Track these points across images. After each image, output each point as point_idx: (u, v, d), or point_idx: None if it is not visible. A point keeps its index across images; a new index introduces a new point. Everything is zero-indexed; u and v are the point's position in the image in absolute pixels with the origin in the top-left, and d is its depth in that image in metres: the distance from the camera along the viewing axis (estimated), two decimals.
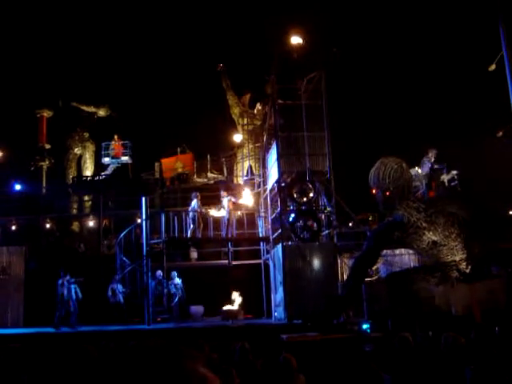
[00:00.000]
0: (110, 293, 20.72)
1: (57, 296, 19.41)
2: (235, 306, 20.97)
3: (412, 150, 21.46)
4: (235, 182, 27.01)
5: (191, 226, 21.16)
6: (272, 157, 20.69)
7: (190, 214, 21.25)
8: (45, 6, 34.86)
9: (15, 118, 32.76)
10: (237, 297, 21.18)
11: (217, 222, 21.71)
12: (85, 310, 20.09)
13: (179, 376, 1.40)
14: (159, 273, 20.84)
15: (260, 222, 22.68)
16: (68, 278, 19.51)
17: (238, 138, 26.28)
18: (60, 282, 19.37)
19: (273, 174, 20.65)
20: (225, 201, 21.43)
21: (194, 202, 21.50)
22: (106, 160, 32.36)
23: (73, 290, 19.55)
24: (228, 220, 21.17)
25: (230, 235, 21.16)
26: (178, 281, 21.23)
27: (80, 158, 33.60)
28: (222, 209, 21.40)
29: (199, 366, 1.48)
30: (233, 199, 21.75)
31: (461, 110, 28.20)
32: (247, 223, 22.68)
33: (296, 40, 20.08)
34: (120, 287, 20.88)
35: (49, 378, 5.70)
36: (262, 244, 22.55)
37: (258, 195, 23.75)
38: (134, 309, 20.60)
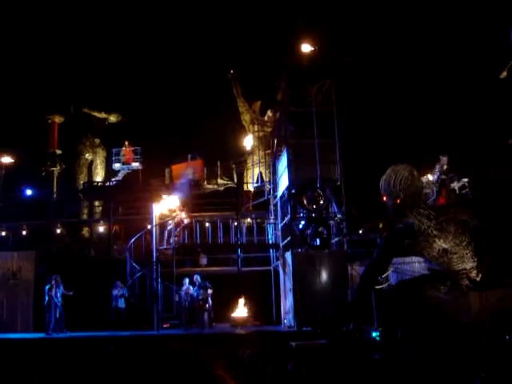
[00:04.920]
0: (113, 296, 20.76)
1: (45, 301, 19.52)
2: (245, 313, 20.93)
3: (423, 158, 21.40)
4: (245, 188, 27.01)
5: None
6: (282, 164, 20.68)
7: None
8: (58, 12, 35.09)
9: (27, 124, 32.93)
10: (242, 303, 21.17)
11: (226, 228, 21.74)
12: (93, 315, 20.15)
13: (200, 379, 1.40)
14: (197, 277, 20.83)
15: (270, 229, 22.66)
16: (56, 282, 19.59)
17: (248, 141, 26.20)
18: (48, 287, 19.45)
19: (283, 181, 20.64)
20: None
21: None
22: (117, 166, 32.47)
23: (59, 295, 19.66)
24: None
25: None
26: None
27: (91, 163, 33.76)
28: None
29: (219, 370, 1.48)
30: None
31: (472, 117, 28.11)
32: (257, 230, 22.67)
33: (306, 48, 20.10)
34: (119, 291, 20.88)
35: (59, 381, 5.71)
36: (271, 251, 22.51)
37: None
38: (142, 315, 20.60)
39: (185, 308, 20.55)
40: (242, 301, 21.08)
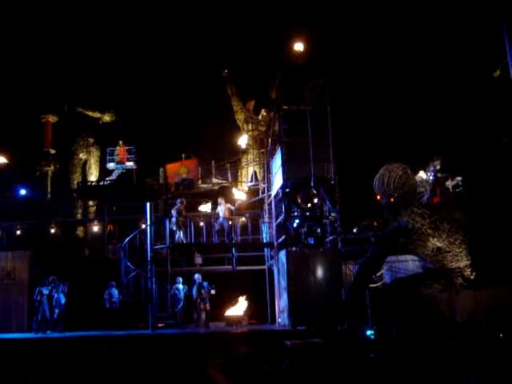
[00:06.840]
0: (106, 296, 20.74)
1: (35, 302, 19.80)
2: (239, 312, 20.94)
3: (417, 156, 21.44)
4: (239, 187, 26.97)
5: (178, 232, 21.15)
6: (276, 163, 20.68)
7: (173, 219, 21.17)
8: (51, 12, 35.00)
9: (20, 123, 32.83)
10: (242, 301, 21.18)
11: (220, 228, 21.69)
12: (87, 315, 20.16)
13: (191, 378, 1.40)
14: (197, 276, 20.87)
15: (264, 228, 22.65)
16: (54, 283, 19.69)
17: (243, 140, 26.16)
18: (37, 290, 19.61)
19: (277, 179, 20.65)
20: (221, 208, 21.42)
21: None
22: (111, 165, 32.34)
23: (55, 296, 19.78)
24: (229, 227, 21.17)
25: (231, 241, 21.16)
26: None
27: (85, 163, 33.69)
28: (220, 214, 21.40)
29: (215, 370, 1.48)
30: (231, 207, 21.69)
31: (466, 116, 28.17)
32: (251, 229, 22.67)
33: (300, 46, 20.11)
34: (116, 293, 20.90)
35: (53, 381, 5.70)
36: (266, 250, 22.52)
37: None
38: (137, 314, 20.61)
39: (177, 305, 20.58)
40: (238, 300, 21.11)
